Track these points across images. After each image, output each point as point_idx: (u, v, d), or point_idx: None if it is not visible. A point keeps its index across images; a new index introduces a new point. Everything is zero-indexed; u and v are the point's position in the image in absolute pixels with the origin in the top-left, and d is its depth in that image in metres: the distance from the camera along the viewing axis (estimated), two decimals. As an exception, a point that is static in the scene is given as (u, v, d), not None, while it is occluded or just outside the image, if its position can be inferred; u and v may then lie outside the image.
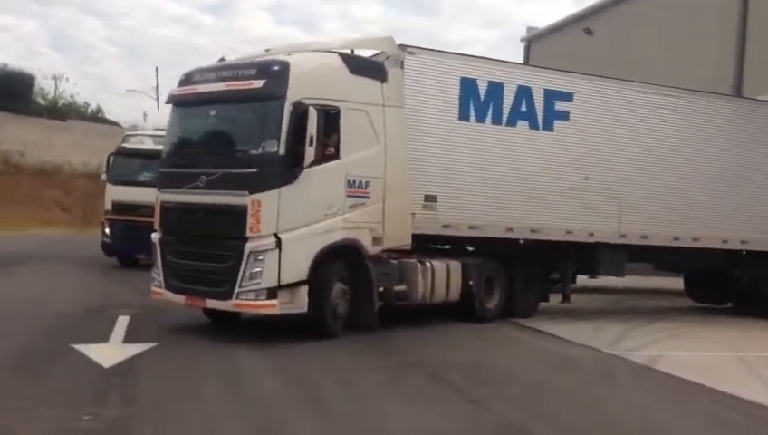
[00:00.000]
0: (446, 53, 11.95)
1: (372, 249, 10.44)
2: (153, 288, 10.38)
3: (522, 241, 12.27)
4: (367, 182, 10.35)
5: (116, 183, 18.56)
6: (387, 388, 7.77)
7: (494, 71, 12.10)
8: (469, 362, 8.99)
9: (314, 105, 9.52)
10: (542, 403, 7.32)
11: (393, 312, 11.00)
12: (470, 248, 12.33)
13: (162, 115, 22.19)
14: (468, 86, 11.73)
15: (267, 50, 10.95)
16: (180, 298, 10.03)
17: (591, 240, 12.88)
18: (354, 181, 10.21)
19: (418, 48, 11.47)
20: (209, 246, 9.81)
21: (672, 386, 8.22)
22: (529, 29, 32.63)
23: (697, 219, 13.74)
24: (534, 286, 12.85)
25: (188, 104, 10.56)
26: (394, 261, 10.91)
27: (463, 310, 11.95)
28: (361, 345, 9.83)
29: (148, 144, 18.51)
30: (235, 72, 10.02)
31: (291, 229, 9.49)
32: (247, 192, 9.42)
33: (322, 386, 7.70)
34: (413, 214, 11.14)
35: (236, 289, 9.37)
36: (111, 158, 18.91)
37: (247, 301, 9.42)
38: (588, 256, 13.10)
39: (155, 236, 10.45)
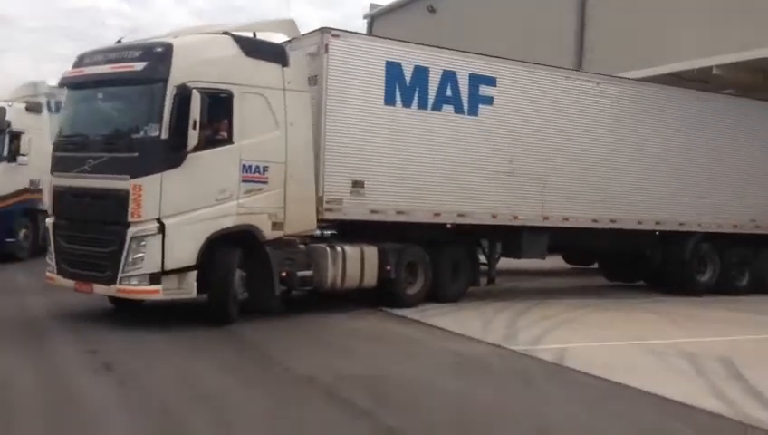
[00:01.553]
0: (372, 36, 12.28)
1: (271, 234, 10.57)
2: (47, 273, 10.53)
3: (449, 225, 12.63)
4: (265, 167, 10.45)
5: None
6: (271, 416, 6.64)
7: (420, 54, 12.43)
8: (368, 374, 8.09)
9: (201, 89, 9.56)
10: (474, 428, 6.60)
11: (313, 297, 11.45)
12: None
13: None
14: (394, 70, 12.02)
15: (169, 34, 10.95)
16: (71, 283, 10.19)
17: (516, 223, 13.30)
18: (250, 166, 10.30)
19: (343, 31, 11.73)
20: (95, 231, 9.94)
21: (598, 389, 7.91)
22: (372, 6, 32.70)
23: (615, 202, 14.29)
24: (464, 271, 13.21)
25: (78, 87, 10.62)
26: (302, 246, 11.12)
27: (382, 295, 12.19)
28: (240, 345, 9.51)
29: None
30: (121, 54, 10.10)
31: (175, 214, 9.63)
32: (129, 176, 9.52)
33: (172, 408, 6.70)
34: (340, 199, 11.45)
35: (120, 274, 9.52)
36: None
37: (130, 286, 9.58)
38: (512, 239, 13.52)
39: (48, 221, 10.70)
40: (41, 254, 17.92)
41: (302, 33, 11.74)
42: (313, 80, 11.45)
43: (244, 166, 10.25)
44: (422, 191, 12.29)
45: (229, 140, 10.12)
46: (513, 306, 13.02)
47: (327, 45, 11.33)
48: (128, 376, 7.59)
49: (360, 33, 12.09)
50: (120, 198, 9.54)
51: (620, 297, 15.36)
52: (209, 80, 9.88)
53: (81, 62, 10.53)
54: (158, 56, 9.70)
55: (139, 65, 9.67)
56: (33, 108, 17.93)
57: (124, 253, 9.46)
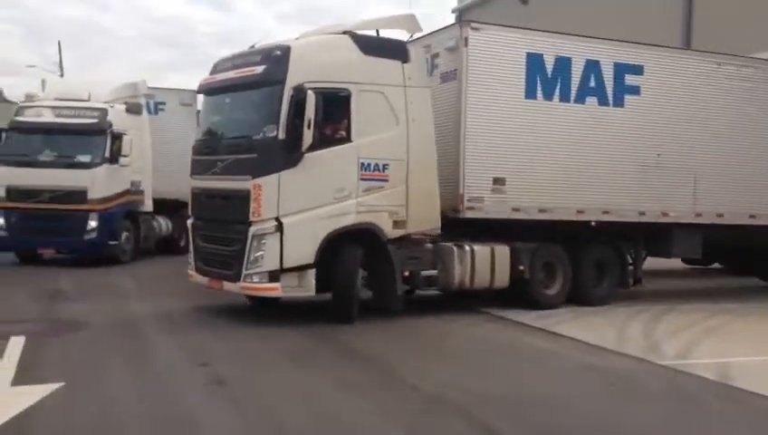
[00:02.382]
0: (511, 27, 11.94)
1: (393, 233, 10.51)
2: (188, 271, 11.17)
3: (593, 223, 12.14)
4: (385, 165, 10.42)
5: (10, 164, 16.52)
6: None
7: (562, 45, 11.98)
8: (504, 393, 7.22)
9: (318, 89, 9.69)
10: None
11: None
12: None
13: (65, 83, 19.99)
14: (535, 62, 11.66)
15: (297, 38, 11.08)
16: (204, 280, 10.70)
17: (665, 220, 12.57)
18: (369, 164, 10.30)
19: (483, 23, 11.56)
20: (223, 230, 10.36)
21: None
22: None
23: None
24: (610, 271, 12.65)
25: (210, 93, 11.19)
26: (429, 245, 10.99)
27: (518, 296, 11.86)
28: (358, 354, 8.93)
29: (49, 117, 16.77)
30: (246, 59, 10.49)
31: (293, 213, 9.81)
32: (250, 177, 9.82)
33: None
34: (481, 198, 11.25)
35: (243, 272, 9.82)
36: (3, 134, 17.08)
37: (252, 284, 9.87)
38: (661, 237, 12.81)
39: (189, 222, 11.32)
40: (142, 257, 18.52)
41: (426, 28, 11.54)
42: (452, 75, 11.36)
43: (362, 164, 10.26)
44: (565, 188, 11.92)
45: (347, 139, 10.18)
46: (643, 312, 12.09)
47: (466, 39, 11.15)
48: (241, 392, 7.07)
49: (500, 25, 11.87)
50: (243, 198, 9.85)
51: (759, 302, 14.07)
52: (327, 80, 10.04)
53: (214, 69, 11.01)
54: (277, 59, 9.94)
55: (259, 69, 9.99)
56: (134, 109, 17.90)
57: (246, 251, 9.75)
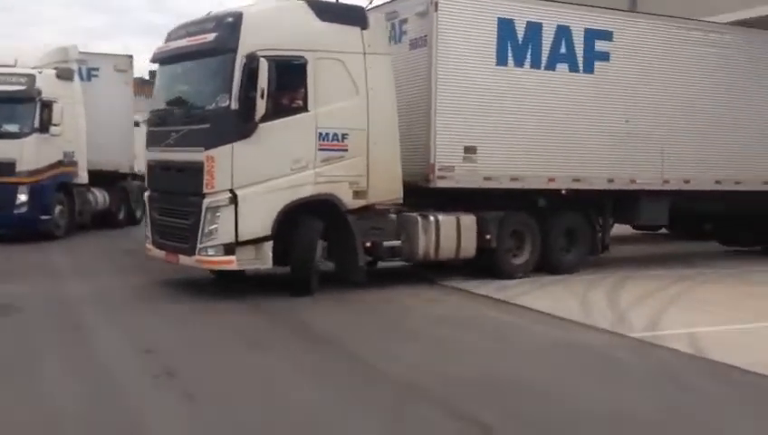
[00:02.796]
0: None
1: (353, 203, 10.37)
2: (146, 244, 10.96)
3: (564, 191, 12.12)
4: (344, 135, 10.21)
5: None
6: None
7: (532, 10, 11.79)
8: (479, 377, 6.76)
9: (272, 57, 9.47)
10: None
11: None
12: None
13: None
14: (506, 27, 11.45)
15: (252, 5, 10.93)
16: (161, 254, 10.52)
17: (633, 187, 12.59)
18: (327, 134, 10.08)
19: None
20: (178, 203, 10.19)
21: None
22: None
23: (739, 162, 13.37)
24: (580, 239, 12.61)
25: (163, 62, 10.91)
26: (392, 215, 10.87)
27: (484, 266, 11.75)
28: (319, 336, 8.36)
29: None
30: (198, 26, 10.22)
31: (248, 185, 9.62)
32: (203, 148, 9.60)
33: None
34: (452, 167, 11.07)
35: (198, 245, 9.65)
36: None
37: (207, 257, 9.69)
38: (628, 204, 12.83)
39: (145, 194, 11.10)
40: (77, 231, 17.60)
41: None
42: (422, 41, 11.15)
43: (320, 134, 10.04)
44: (536, 156, 11.81)
45: (304, 109, 9.96)
46: (603, 280, 11.91)
47: (437, 3, 10.90)
48: (196, 386, 6.37)
49: None
50: (197, 170, 9.64)
51: (713, 267, 14.00)
52: (281, 47, 9.78)
53: (168, 37, 10.75)
54: (229, 26, 9.70)
55: (211, 36, 9.76)
56: (65, 75, 16.80)
57: (201, 224, 9.59)
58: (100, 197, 18.65)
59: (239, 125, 9.50)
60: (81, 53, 17.95)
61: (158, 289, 10.78)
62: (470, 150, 11.18)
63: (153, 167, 10.86)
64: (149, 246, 10.79)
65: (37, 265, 12.93)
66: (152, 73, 19.67)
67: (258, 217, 9.63)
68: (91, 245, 16.05)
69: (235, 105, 9.47)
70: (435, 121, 10.98)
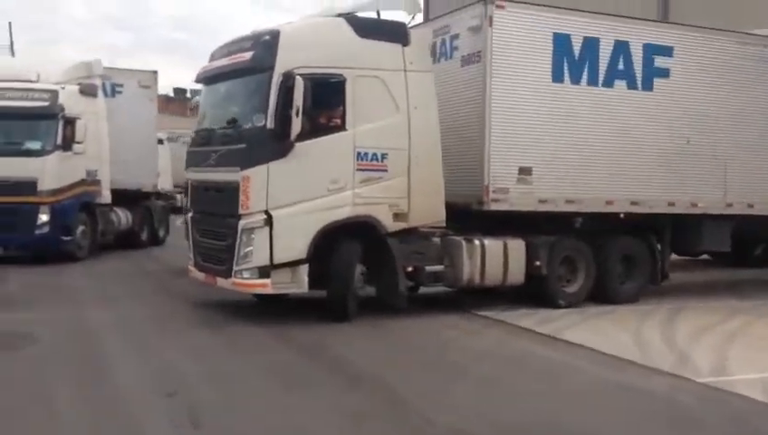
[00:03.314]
0: (538, 5, 11.27)
1: (394, 226, 10.07)
2: (188, 266, 10.89)
3: (622, 215, 11.63)
4: (384, 154, 9.94)
5: None
6: None
7: (590, 24, 11.42)
8: (538, 425, 6.20)
9: (309, 75, 9.32)
10: None
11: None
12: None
13: (11, 63, 18.39)
14: (562, 43, 11.09)
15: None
16: (202, 276, 10.41)
17: (695, 211, 12.00)
18: (366, 154, 9.83)
19: (508, 1, 10.86)
20: (217, 224, 10.09)
21: None
22: None
23: None
24: (639, 266, 12.02)
25: (206, 81, 10.92)
26: (436, 239, 10.55)
27: (534, 293, 11.33)
28: (356, 373, 7.79)
29: None
30: (238, 45, 10.16)
31: (284, 206, 9.42)
32: (239, 168, 9.47)
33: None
34: (506, 189, 10.73)
35: (234, 267, 9.49)
36: None
37: (243, 280, 9.52)
38: (689, 229, 12.26)
39: (188, 215, 11.02)
40: (100, 252, 17.16)
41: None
42: (475, 57, 10.82)
43: (359, 154, 9.81)
44: (593, 177, 11.40)
45: (342, 127, 9.75)
46: (652, 312, 11.22)
47: (491, 17, 10.59)
48: None
49: (526, 3, 11.24)
50: (233, 191, 9.55)
51: (762, 297, 13.09)
52: (319, 65, 9.64)
53: (211, 57, 10.76)
54: (266, 44, 9.63)
55: (248, 55, 9.73)
56: (88, 91, 16.44)
57: (237, 245, 9.46)
58: (123, 216, 18.27)
59: (275, 144, 9.36)
60: (105, 68, 17.56)
61: (183, 316, 10.34)
62: (525, 172, 10.81)
63: (195, 187, 10.87)
64: (191, 267, 10.72)
65: (58, 289, 12.53)
66: (177, 91, 19.19)
67: (294, 239, 9.43)
68: (114, 267, 15.61)
69: (270, 124, 9.35)
70: (489, 141, 10.66)
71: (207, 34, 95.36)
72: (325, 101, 9.60)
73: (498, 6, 10.63)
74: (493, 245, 10.71)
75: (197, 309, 10.64)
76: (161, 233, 20.32)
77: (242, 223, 9.44)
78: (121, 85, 18.55)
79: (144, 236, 19.46)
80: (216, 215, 10.14)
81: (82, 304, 11.10)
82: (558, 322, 10.31)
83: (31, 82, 15.60)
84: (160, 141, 20.18)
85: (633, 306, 11.61)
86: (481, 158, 10.65)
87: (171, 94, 46.53)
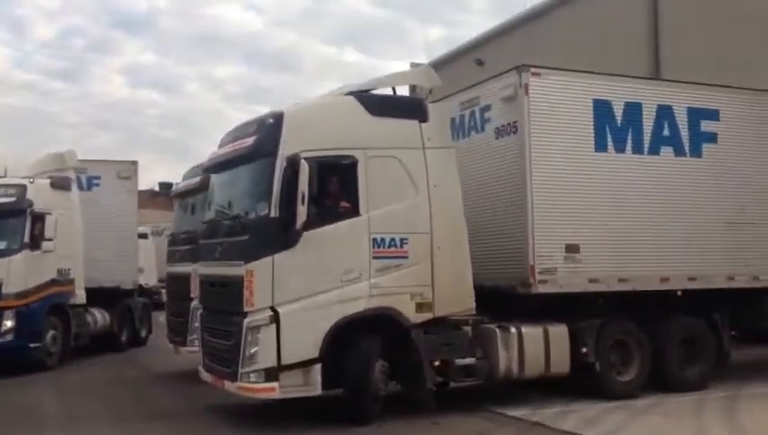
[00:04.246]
0: (575, 71, 10.76)
1: (417, 317, 9.28)
2: (199, 368, 10.17)
3: (679, 293, 10.85)
4: (403, 240, 9.22)
5: None
6: None
7: (630, 89, 10.93)
8: None
9: (316, 157, 8.80)
10: None
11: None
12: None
13: None
14: (603, 110, 10.57)
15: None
16: (210, 378, 9.69)
17: (757, 285, 11.30)
18: (383, 240, 9.12)
19: (543, 67, 10.41)
20: (222, 322, 9.39)
21: None
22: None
23: None
24: (704, 348, 11.07)
25: (213, 170, 10.42)
26: (465, 328, 9.71)
27: (583, 384, 10.34)
28: None
29: None
30: (243, 130, 9.66)
31: (291, 301, 8.73)
32: (243, 262, 8.85)
33: None
34: (554, 269, 9.99)
35: (240, 370, 8.76)
36: None
37: (248, 384, 8.75)
38: (751, 305, 11.36)
39: (198, 313, 10.53)
40: (74, 358, 15.58)
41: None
42: (510, 128, 10.28)
43: (375, 240, 9.14)
44: (646, 252, 10.65)
45: (355, 212, 9.15)
46: (707, 403, 10.00)
47: (527, 85, 10.09)
48: None
49: (562, 69, 10.74)
50: (238, 286, 8.91)
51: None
52: (327, 147, 9.11)
53: (220, 143, 10.23)
54: (268, 128, 9.13)
55: (251, 140, 9.22)
56: (60, 184, 15.28)
57: (242, 346, 8.76)
58: (99, 317, 16.87)
59: (280, 235, 8.75)
60: (80, 160, 16.44)
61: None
62: (572, 249, 10.08)
63: (202, 282, 10.34)
64: (201, 368, 10.04)
65: (18, 410, 10.76)
66: (162, 185, 18.16)
67: (304, 337, 8.74)
68: (87, 376, 14.10)
69: (275, 212, 8.78)
70: (531, 217, 9.96)
71: (195, 132, 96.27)
72: (335, 184, 9.11)
73: (534, 74, 10.15)
74: (531, 332, 9.90)
75: (186, 426, 9.37)
76: (143, 332, 18.99)
77: (246, 321, 8.76)
78: (99, 177, 17.43)
79: (124, 336, 18.06)
80: (222, 312, 9.48)
81: (40, 429, 9.43)
82: (605, 421, 9.03)
83: None
84: (144, 236, 18.74)
85: (683, 396, 10.37)
86: (524, 236, 9.98)
87: (156, 189, 45.94)
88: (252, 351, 8.66)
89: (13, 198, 13.90)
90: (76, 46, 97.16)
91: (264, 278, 8.69)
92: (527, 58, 21.94)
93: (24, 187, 14.13)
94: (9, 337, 13.43)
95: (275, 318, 8.62)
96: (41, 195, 14.30)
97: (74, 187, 15.76)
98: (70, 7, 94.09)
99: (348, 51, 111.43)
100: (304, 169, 8.60)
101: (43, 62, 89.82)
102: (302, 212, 8.57)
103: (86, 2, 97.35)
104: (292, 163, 8.69)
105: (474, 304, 9.64)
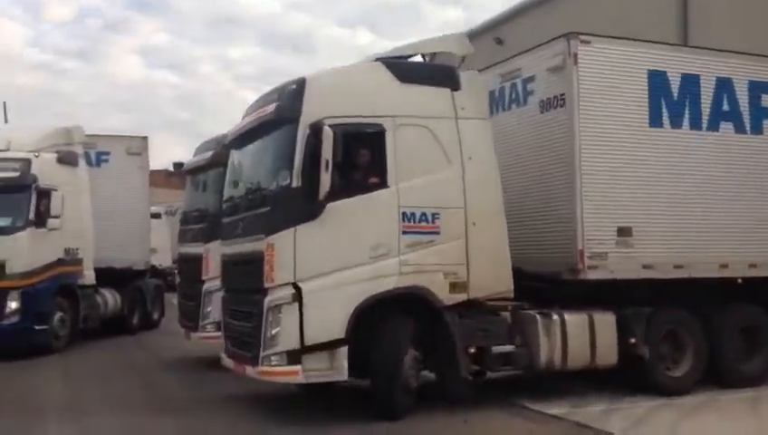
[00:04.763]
0: (628, 39, 10.04)
1: (451, 298, 8.64)
2: (221, 353, 9.65)
3: (739, 280, 10.12)
4: (434, 214, 8.60)
5: None
6: None
7: (687, 60, 10.18)
8: None
9: (340, 124, 8.22)
10: None
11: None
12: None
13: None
14: (658, 82, 9.81)
15: None
16: (231, 364, 9.16)
17: None
18: (413, 214, 8.49)
19: (593, 35, 9.71)
20: (243, 302, 8.92)
21: None
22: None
23: None
24: (764, 342, 10.30)
25: (235, 145, 9.81)
26: (504, 313, 9.07)
27: (632, 377, 9.65)
28: None
29: None
30: (264, 99, 9.14)
31: (315, 277, 8.14)
32: (263, 235, 8.34)
33: None
34: (605, 253, 9.28)
35: (261, 353, 8.21)
36: None
37: (270, 367, 8.17)
38: None
39: (221, 295, 10.03)
40: (83, 341, 15.01)
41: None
42: (557, 101, 9.54)
43: (404, 214, 8.49)
44: (704, 236, 9.90)
45: (383, 184, 8.54)
46: (757, 402, 9.19)
47: (576, 55, 9.34)
48: None
49: (614, 37, 10.00)
50: (259, 261, 8.40)
51: None
52: (352, 114, 8.55)
53: (243, 116, 9.68)
54: (291, 94, 8.55)
55: (272, 107, 8.63)
56: (67, 159, 14.65)
57: (263, 326, 8.20)
58: (110, 299, 16.36)
59: (302, 205, 8.17)
60: (88, 135, 15.84)
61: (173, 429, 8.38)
62: (625, 232, 9.36)
63: (225, 263, 9.77)
64: (223, 354, 9.50)
65: (19, 395, 10.13)
66: (176, 165, 17.58)
67: (328, 315, 8.10)
68: (95, 361, 13.49)
69: (297, 182, 8.20)
70: (580, 198, 9.24)
71: (208, 113, 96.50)
72: (361, 154, 8.51)
73: (583, 42, 9.43)
74: (575, 320, 9.20)
75: (199, 413, 8.81)
76: (155, 315, 18.51)
77: (267, 299, 8.21)
78: (108, 153, 16.85)
79: (135, 319, 17.53)
80: (244, 292, 8.99)
81: (44, 420, 8.66)
82: (655, 421, 8.23)
83: (1, 151, 13.69)
84: (158, 215, 18.06)
85: (735, 393, 9.59)
86: (572, 217, 9.26)
87: (171, 169, 45.47)
88: (273, 332, 8.12)
89: (16, 173, 13.25)
90: (93, 26, 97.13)
91: (286, 251, 8.11)
92: (547, 35, 21.55)
93: (28, 161, 13.49)
94: (14, 319, 12.87)
95: (298, 296, 8.07)
96: (46, 170, 13.67)
97: (82, 162, 15.18)
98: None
99: (362, 33, 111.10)
100: (328, 136, 8.05)
101: (59, 42, 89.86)
102: (325, 181, 8.03)
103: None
104: (315, 130, 8.15)
105: (512, 286, 9.01)
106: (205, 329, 11.22)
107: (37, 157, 13.62)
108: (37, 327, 13.17)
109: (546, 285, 9.44)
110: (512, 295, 9.07)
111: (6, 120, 20.31)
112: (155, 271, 18.98)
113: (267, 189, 8.73)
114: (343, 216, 8.23)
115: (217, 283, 10.07)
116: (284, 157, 8.43)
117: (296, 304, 8.04)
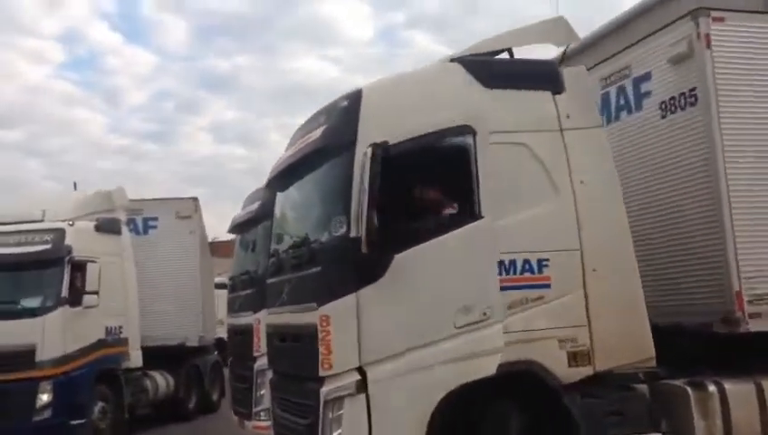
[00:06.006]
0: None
1: (570, 373, 6.65)
2: None
3: None
4: (541, 261, 6.62)
5: None
6: None
7: None
8: None
9: (409, 149, 6.34)
10: None
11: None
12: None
13: (16, 202, 14.52)
14: None
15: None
16: None
17: None
18: (514, 262, 6.53)
19: (728, 11, 7.76)
20: (294, 392, 7.12)
21: None
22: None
23: None
24: None
25: (275, 184, 8.03)
26: (639, 386, 7.05)
27: None
28: None
29: None
30: (311, 123, 7.27)
31: (384, 359, 6.22)
32: (315, 304, 6.45)
33: None
34: None
35: None
36: None
37: None
38: None
39: (269, 378, 8.49)
40: (133, 430, 13.18)
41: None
42: (685, 99, 7.67)
43: (502, 263, 6.53)
44: None
45: (470, 223, 6.52)
46: None
47: (708, 37, 7.46)
48: None
49: (751, 12, 8.11)
50: (311, 339, 6.51)
51: None
52: (423, 132, 6.59)
53: (286, 148, 8.11)
54: (342, 113, 6.71)
55: (317, 133, 6.85)
56: (107, 226, 13.10)
57: (320, 425, 6.41)
58: (161, 381, 14.84)
59: (363, 261, 6.22)
60: (132, 200, 14.54)
61: None
62: None
63: (270, 336, 8.09)
64: None
65: None
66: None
67: (406, 412, 6.27)
68: None
69: (355, 230, 6.25)
70: (731, 223, 7.27)
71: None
72: (438, 185, 6.62)
73: (716, 19, 7.51)
74: (740, 391, 7.16)
75: None
76: (214, 396, 16.92)
77: (324, 390, 6.38)
78: (155, 218, 15.60)
79: (192, 403, 15.83)
80: (295, 378, 7.22)
81: None
82: None
83: (35, 221, 12.33)
84: (223, 286, 16.32)
85: None
86: (720, 250, 7.29)
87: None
88: (334, 434, 6.37)
89: (47, 246, 11.68)
90: (166, 108, 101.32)
91: (346, 326, 6.28)
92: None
93: (62, 231, 11.99)
94: (46, 414, 11.17)
95: (363, 384, 6.27)
96: (83, 240, 12.18)
97: (125, 229, 13.71)
98: (160, 73, 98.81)
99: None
100: (394, 166, 6.24)
101: (136, 126, 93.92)
102: (392, 226, 6.28)
103: (176, 66, 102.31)
104: (378, 155, 6.27)
105: (653, 352, 6.94)
106: (259, 416, 9.52)
107: (72, 226, 12.11)
108: (74, 422, 11.47)
109: (686, 341, 7.48)
110: (654, 363, 6.99)
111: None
112: (220, 345, 17.22)
113: (317, 241, 6.95)
114: (417, 270, 6.39)
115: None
116: (338, 196, 6.60)
117: (363, 398, 6.25)
